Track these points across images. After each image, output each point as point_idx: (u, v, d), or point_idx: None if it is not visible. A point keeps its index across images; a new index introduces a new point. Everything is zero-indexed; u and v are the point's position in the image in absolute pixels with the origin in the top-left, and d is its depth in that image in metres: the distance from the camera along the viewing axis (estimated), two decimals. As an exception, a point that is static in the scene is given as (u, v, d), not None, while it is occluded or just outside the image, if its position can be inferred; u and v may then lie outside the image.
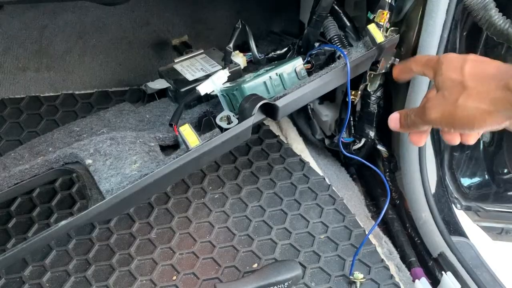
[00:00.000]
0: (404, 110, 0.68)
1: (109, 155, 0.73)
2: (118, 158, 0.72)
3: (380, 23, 0.81)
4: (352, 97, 0.91)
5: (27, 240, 0.63)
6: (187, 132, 0.67)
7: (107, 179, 0.69)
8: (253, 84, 0.78)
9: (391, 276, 0.87)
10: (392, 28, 0.84)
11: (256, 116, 0.70)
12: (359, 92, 0.92)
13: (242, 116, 0.72)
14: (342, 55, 0.79)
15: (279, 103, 0.72)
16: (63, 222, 0.64)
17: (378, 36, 0.77)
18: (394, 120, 0.69)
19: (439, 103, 0.61)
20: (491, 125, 0.58)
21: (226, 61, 0.89)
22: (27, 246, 0.63)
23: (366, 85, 0.93)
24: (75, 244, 0.85)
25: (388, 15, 0.80)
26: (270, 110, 0.73)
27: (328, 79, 0.75)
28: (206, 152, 0.68)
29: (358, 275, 0.84)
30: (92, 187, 0.70)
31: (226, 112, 0.76)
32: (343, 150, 0.90)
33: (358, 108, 0.99)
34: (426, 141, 0.71)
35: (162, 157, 0.75)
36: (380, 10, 0.81)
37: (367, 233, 0.93)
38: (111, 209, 0.65)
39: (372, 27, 0.78)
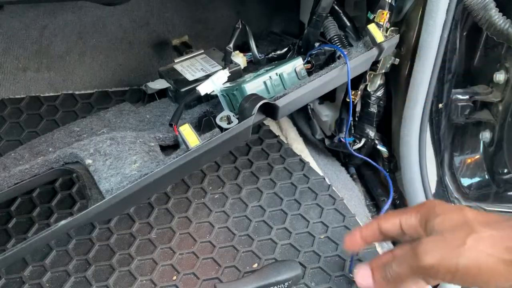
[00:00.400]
0: (378, 260, 0.52)
1: (109, 155, 0.73)
2: (118, 158, 0.72)
3: (380, 23, 0.81)
4: (352, 97, 0.91)
5: (27, 240, 0.63)
6: (187, 132, 0.67)
7: (107, 179, 0.69)
8: (253, 84, 0.78)
9: (391, 276, 0.87)
10: (392, 28, 0.84)
11: (256, 116, 0.70)
12: (359, 92, 0.92)
13: (242, 116, 0.72)
14: (342, 55, 0.79)
15: (279, 103, 0.72)
16: (62, 222, 0.64)
17: (378, 36, 0.77)
18: (361, 276, 0.52)
19: (437, 245, 0.48)
20: (503, 281, 0.46)
21: (226, 61, 0.89)
22: (27, 246, 0.63)
23: (366, 85, 0.93)
24: (75, 244, 0.85)
25: (388, 15, 0.80)
26: (270, 110, 0.73)
27: (328, 79, 0.75)
28: (206, 152, 0.68)
29: None
30: (92, 187, 0.70)
31: (226, 112, 0.76)
32: (349, 148, 0.90)
33: (358, 108, 0.99)
34: None
35: (162, 157, 0.75)
36: (380, 10, 0.81)
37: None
38: (110, 208, 0.66)
39: (372, 27, 0.78)
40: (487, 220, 0.48)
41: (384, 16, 0.80)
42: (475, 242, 0.46)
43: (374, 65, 0.86)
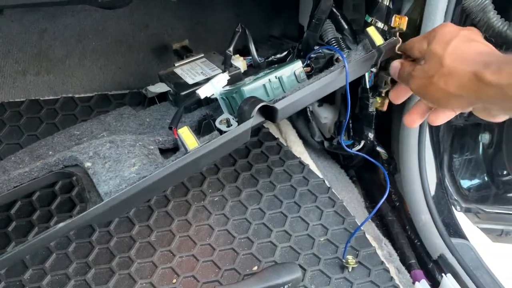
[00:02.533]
0: (403, 62, 0.71)
1: (108, 158, 0.73)
2: (117, 161, 0.72)
3: (401, 29, 0.81)
4: (379, 105, 0.92)
5: (26, 242, 0.63)
6: (186, 135, 0.67)
7: (105, 181, 0.69)
8: (253, 87, 0.78)
9: (391, 279, 0.87)
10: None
11: (255, 119, 0.70)
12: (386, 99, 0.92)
13: (241, 118, 0.72)
14: (341, 58, 0.79)
15: (278, 105, 0.72)
16: (61, 224, 0.64)
17: (377, 38, 0.77)
18: (394, 68, 0.72)
19: (419, 74, 0.64)
20: (456, 108, 0.62)
21: (226, 65, 0.89)
22: (26, 248, 0.63)
23: (364, 87, 0.93)
24: (75, 247, 0.85)
25: (406, 20, 0.81)
26: (269, 112, 0.73)
27: (327, 82, 0.75)
28: (205, 155, 0.68)
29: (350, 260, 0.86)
30: (91, 190, 0.70)
31: (225, 115, 0.76)
32: (344, 147, 0.89)
33: (357, 110, 0.99)
34: (418, 121, 0.72)
35: (161, 160, 0.75)
36: (395, 15, 0.82)
37: (366, 234, 0.94)
38: (109, 211, 0.66)
39: (371, 30, 0.78)
40: (462, 54, 0.60)
41: (400, 21, 0.81)
42: (438, 78, 0.60)
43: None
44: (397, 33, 0.80)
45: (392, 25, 0.81)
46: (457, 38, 0.61)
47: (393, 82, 0.85)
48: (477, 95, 0.57)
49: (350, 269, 0.86)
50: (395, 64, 0.72)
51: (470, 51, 0.60)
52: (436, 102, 0.63)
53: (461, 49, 0.60)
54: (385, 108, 0.91)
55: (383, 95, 0.89)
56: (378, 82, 0.90)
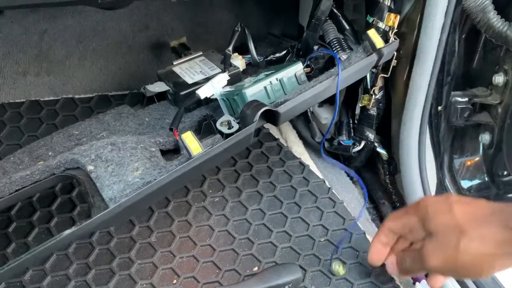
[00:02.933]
0: (397, 253, 0.66)
1: (110, 161, 0.73)
2: (120, 165, 0.72)
3: (388, 25, 0.81)
4: (365, 102, 0.91)
5: (30, 251, 0.63)
6: (189, 140, 0.67)
7: (109, 186, 0.69)
8: (254, 89, 0.78)
9: (392, 279, 0.87)
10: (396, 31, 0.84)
11: (257, 123, 0.71)
12: (373, 97, 0.92)
13: (243, 122, 0.72)
14: (340, 58, 0.80)
15: (280, 109, 0.72)
16: (66, 232, 0.63)
17: (378, 41, 0.77)
18: (390, 266, 0.68)
19: (437, 249, 0.57)
20: (500, 269, 0.55)
21: (226, 64, 0.89)
22: (30, 256, 0.63)
23: (366, 88, 0.93)
24: (75, 248, 0.85)
25: (397, 18, 0.80)
26: (271, 116, 0.73)
27: (328, 85, 0.76)
28: (208, 159, 0.68)
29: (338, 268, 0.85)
30: (94, 194, 0.69)
31: (226, 116, 0.76)
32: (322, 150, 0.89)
33: (357, 110, 0.99)
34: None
35: (163, 163, 0.75)
36: (388, 13, 0.81)
37: (367, 235, 0.94)
38: (114, 217, 0.65)
39: (371, 33, 0.78)
40: (475, 216, 0.55)
41: (392, 19, 0.81)
42: (467, 243, 0.54)
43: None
44: (392, 32, 0.80)
45: (384, 22, 0.81)
46: (454, 205, 0.58)
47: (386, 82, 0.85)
48: None
49: (334, 280, 0.85)
50: (390, 261, 0.68)
51: (480, 209, 0.56)
52: (476, 270, 0.55)
53: (470, 210, 0.56)
54: (371, 106, 0.91)
55: (371, 93, 0.89)
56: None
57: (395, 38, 0.83)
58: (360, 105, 0.93)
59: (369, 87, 0.92)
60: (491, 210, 0.55)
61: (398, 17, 0.80)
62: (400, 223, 0.66)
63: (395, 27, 0.79)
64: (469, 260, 0.54)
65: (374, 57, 0.78)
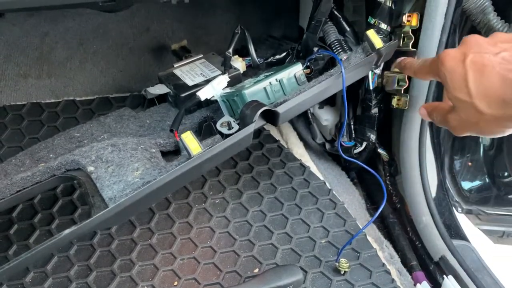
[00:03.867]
0: (429, 106, 0.68)
1: (111, 162, 0.73)
2: (120, 165, 0.72)
3: (413, 26, 0.81)
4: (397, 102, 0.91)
5: (31, 250, 0.63)
6: (189, 139, 0.67)
7: (109, 186, 0.69)
8: (254, 90, 0.78)
9: (393, 280, 0.87)
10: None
11: (256, 123, 0.71)
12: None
13: (243, 122, 0.72)
14: (341, 59, 0.80)
15: (280, 109, 0.72)
16: (66, 231, 0.64)
17: (377, 41, 0.78)
18: (424, 115, 0.70)
19: (461, 124, 0.60)
20: None
21: (226, 66, 0.89)
22: (31, 255, 0.63)
23: (367, 88, 0.93)
24: (76, 250, 0.86)
25: (417, 16, 0.80)
26: (270, 116, 0.73)
27: (327, 85, 0.76)
28: (208, 159, 0.68)
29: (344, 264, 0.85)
30: (94, 195, 0.70)
31: (226, 117, 0.76)
32: (342, 154, 0.90)
33: (358, 112, 0.99)
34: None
35: (163, 164, 0.75)
36: (409, 13, 0.82)
37: (367, 236, 0.94)
38: (114, 217, 0.65)
39: (371, 33, 0.78)
40: (490, 96, 0.55)
41: (411, 18, 0.81)
42: (486, 124, 0.57)
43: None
44: (402, 35, 0.80)
45: (402, 23, 0.81)
46: (469, 73, 0.56)
47: (410, 79, 0.85)
48: None
49: (342, 272, 0.85)
50: (423, 112, 0.70)
51: (493, 82, 0.54)
52: (500, 134, 0.59)
53: (484, 84, 0.55)
54: (407, 106, 0.89)
55: (402, 93, 0.89)
56: (389, 83, 0.90)
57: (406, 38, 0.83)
58: (373, 110, 0.93)
59: (371, 88, 0.92)
60: (502, 83, 0.53)
61: (417, 14, 0.80)
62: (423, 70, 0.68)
63: (416, 25, 0.80)
64: (491, 131, 0.58)
65: (373, 57, 0.78)
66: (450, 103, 0.62)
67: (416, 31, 0.82)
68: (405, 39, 0.84)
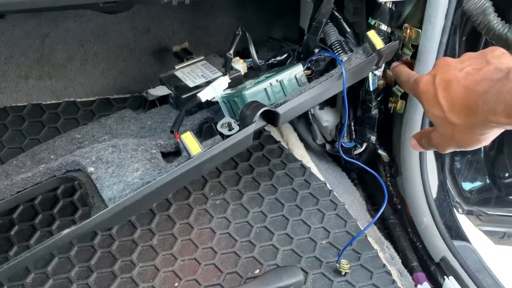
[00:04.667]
0: (417, 135, 0.72)
1: (111, 162, 0.73)
2: (120, 166, 0.72)
3: (413, 40, 0.83)
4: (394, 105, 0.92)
5: (30, 249, 0.63)
6: (189, 140, 0.67)
7: (109, 187, 0.69)
8: (254, 91, 0.78)
9: (393, 281, 0.87)
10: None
11: (257, 123, 0.71)
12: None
13: (243, 123, 0.72)
14: (342, 60, 0.80)
15: (280, 110, 0.72)
16: (66, 231, 0.64)
17: (378, 42, 0.78)
18: (414, 146, 0.72)
19: (441, 140, 0.64)
20: (495, 136, 0.60)
21: (227, 68, 0.89)
22: (30, 255, 0.63)
23: (368, 90, 0.93)
24: (77, 251, 0.86)
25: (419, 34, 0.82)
26: (271, 116, 0.73)
27: (328, 86, 0.76)
28: (208, 159, 0.68)
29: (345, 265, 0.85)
30: (94, 195, 0.70)
31: (227, 118, 0.76)
32: (343, 155, 0.90)
33: (359, 113, 0.99)
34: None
35: (163, 164, 0.75)
36: (407, 25, 0.83)
37: (368, 237, 0.94)
38: (113, 217, 0.66)
39: (371, 34, 0.78)
40: (460, 108, 0.58)
41: (411, 32, 0.82)
42: (460, 134, 0.60)
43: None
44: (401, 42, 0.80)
45: (404, 34, 0.82)
46: (438, 91, 0.60)
47: None
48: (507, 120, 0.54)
49: (343, 273, 0.85)
50: (413, 143, 0.73)
51: (459, 94, 0.58)
52: (478, 145, 0.62)
53: (453, 99, 0.59)
54: (403, 110, 0.90)
55: (399, 98, 0.89)
56: (392, 85, 0.90)
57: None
58: (374, 111, 0.94)
59: (371, 89, 0.92)
60: (467, 95, 0.57)
61: (420, 31, 0.81)
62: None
63: (417, 42, 0.81)
64: (469, 143, 0.60)
65: (374, 57, 0.78)
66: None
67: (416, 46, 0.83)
68: (403, 47, 0.85)
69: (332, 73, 0.77)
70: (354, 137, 1.01)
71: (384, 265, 0.89)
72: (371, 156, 1.01)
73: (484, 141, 0.60)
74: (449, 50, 0.84)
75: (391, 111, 0.92)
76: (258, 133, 1.08)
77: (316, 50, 0.90)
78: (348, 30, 0.91)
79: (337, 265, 0.86)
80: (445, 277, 0.88)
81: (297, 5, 1.12)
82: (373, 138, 0.98)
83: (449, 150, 0.65)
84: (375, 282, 0.86)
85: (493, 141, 0.92)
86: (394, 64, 0.84)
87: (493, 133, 0.59)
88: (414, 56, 0.84)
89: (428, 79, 0.63)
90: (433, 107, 0.61)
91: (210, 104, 0.87)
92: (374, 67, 0.84)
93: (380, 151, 1.00)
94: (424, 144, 0.70)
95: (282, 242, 0.91)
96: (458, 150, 0.66)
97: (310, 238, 0.91)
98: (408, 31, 0.82)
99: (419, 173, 0.91)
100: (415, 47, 0.83)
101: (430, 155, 0.92)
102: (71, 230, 0.64)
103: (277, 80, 0.79)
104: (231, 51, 0.89)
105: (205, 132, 0.81)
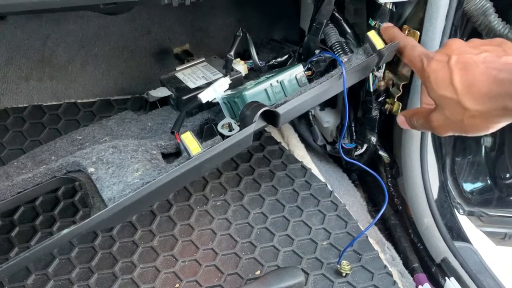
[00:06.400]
0: (408, 113, 0.69)
1: (111, 163, 0.73)
2: (120, 166, 0.73)
3: None
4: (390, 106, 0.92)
5: (30, 249, 0.63)
6: (189, 140, 0.67)
7: (109, 187, 0.69)
8: (254, 91, 0.78)
9: (394, 282, 0.87)
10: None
11: (257, 123, 0.71)
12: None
13: (243, 123, 0.72)
14: (342, 60, 0.80)
15: (280, 110, 0.72)
16: (65, 231, 0.64)
17: (378, 42, 0.77)
18: (402, 123, 0.71)
19: (445, 123, 0.61)
20: (504, 124, 0.59)
21: (227, 69, 0.90)
22: (30, 254, 0.63)
23: (368, 91, 0.93)
24: (78, 252, 0.86)
25: (418, 36, 0.82)
26: (271, 117, 0.73)
27: (328, 86, 0.76)
28: (208, 160, 0.68)
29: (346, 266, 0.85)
30: (94, 196, 0.70)
31: (227, 119, 0.76)
32: (343, 156, 0.90)
33: (359, 114, 0.99)
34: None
35: (164, 165, 0.75)
36: (406, 27, 0.83)
37: (369, 238, 0.93)
38: (113, 217, 0.66)
39: (372, 34, 0.78)
40: (475, 92, 0.57)
41: (410, 34, 0.82)
42: (470, 119, 0.58)
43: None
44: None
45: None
46: (454, 72, 0.58)
47: (404, 87, 0.85)
48: None
49: (344, 274, 0.85)
50: (401, 120, 0.71)
51: (478, 77, 0.56)
52: (484, 132, 0.61)
53: (469, 80, 0.57)
54: (398, 112, 0.90)
55: (395, 100, 0.89)
56: (390, 86, 0.90)
57: None
58: (374, 112, 0.94)
59: (371, 90, 0.92)
60: (487, 79, 0.56)
61: (418, 33, 0.81)
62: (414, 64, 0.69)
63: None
64: (475, 128, 0.59)
65: (374, 58, 0.78)
66: (429, 106, 0.65)
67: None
68: None
69: (333, 73, 0.77)
70: (354, 138, 1.01)
71: (385, 266, 0.89)
72: (371, 157, 1.01)
73: (493, 129, 0.59)
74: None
75: (387, 113, 0.92)
76: (259, 134, 1.08)
77: (317, 51, 0.90)
78: (349, 31, 0.91)
79: (338, 266, 0.86)
80: (446, 278, 0.87)
81: (297, 6, 1.12)
82: (374, 139, 0.98)
83: (450, 133, 0.63)
84: (376, 283, 0.86)
85: (494, 142, 0.93)
86: (387, 24, 0.79)
87: (506, 122, 0.58)
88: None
89: (442, 58, 0.60)
90: (444, 89, 0.59)
91: (210, 105, 0.87)
92: (375, 67, 0.84)
93: (380, 152, 1.00)
94: (416, 124, 0.67)
95: (283, 243, 0.90)
96: (459, 134, 0.63)
97: (311, 239, 0.91)
98: (406, 32, 0.82)
99: (420, 174, 0.91)
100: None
101: (431, 156, 0.92)
102: (71, 230, 0.64)
103: (277, 81, 0.79)
104: (232, 53, 0.89)
105: (205, 133, 0.81)
